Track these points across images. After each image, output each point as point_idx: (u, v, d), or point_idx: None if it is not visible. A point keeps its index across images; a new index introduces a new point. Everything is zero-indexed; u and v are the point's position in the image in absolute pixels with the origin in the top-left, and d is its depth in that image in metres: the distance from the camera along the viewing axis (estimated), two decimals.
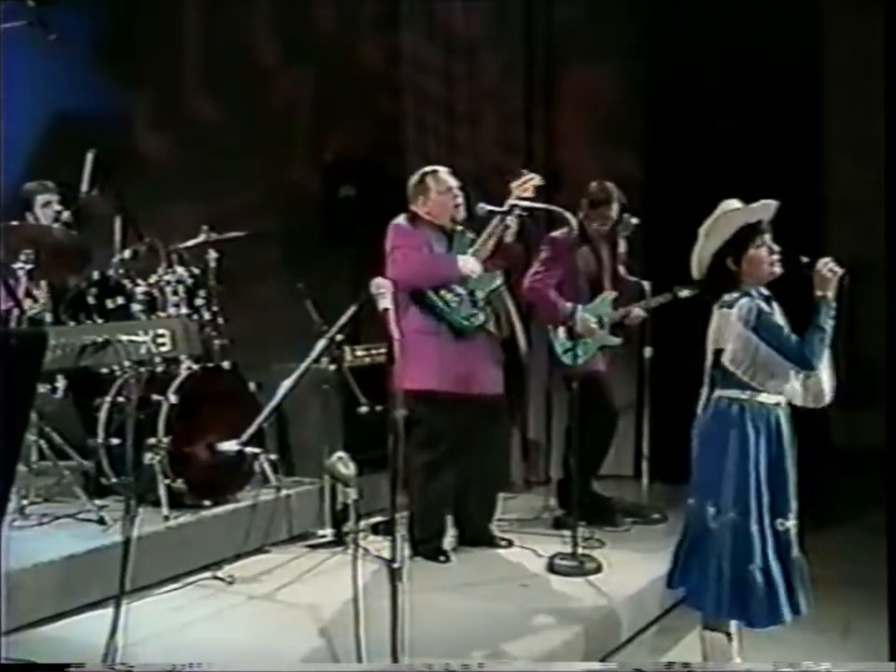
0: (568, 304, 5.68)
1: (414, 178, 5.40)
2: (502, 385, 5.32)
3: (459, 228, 5.36)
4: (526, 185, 5.27)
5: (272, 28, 7.81)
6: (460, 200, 5.32)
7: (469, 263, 5.22)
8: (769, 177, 6.15)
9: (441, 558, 5.28)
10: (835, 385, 4.10)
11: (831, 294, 3.98)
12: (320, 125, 7.82)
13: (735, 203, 4.12)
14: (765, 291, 4.11)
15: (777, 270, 4.07)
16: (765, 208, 4.12)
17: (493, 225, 5.27)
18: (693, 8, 6.97)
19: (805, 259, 4.03)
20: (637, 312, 5.94)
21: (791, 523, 4.07)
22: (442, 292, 5.20)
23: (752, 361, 3.99)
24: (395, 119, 7.55)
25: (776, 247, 4.08)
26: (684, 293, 5.64)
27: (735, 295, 4.05)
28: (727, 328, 4.03)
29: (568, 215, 5.36)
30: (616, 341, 5.95)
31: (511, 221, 5.25)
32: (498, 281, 5.32)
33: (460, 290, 5.23)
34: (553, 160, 7.24)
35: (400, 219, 5.32)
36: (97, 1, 7.35)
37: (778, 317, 4.09)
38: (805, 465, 4.13)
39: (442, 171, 5.38)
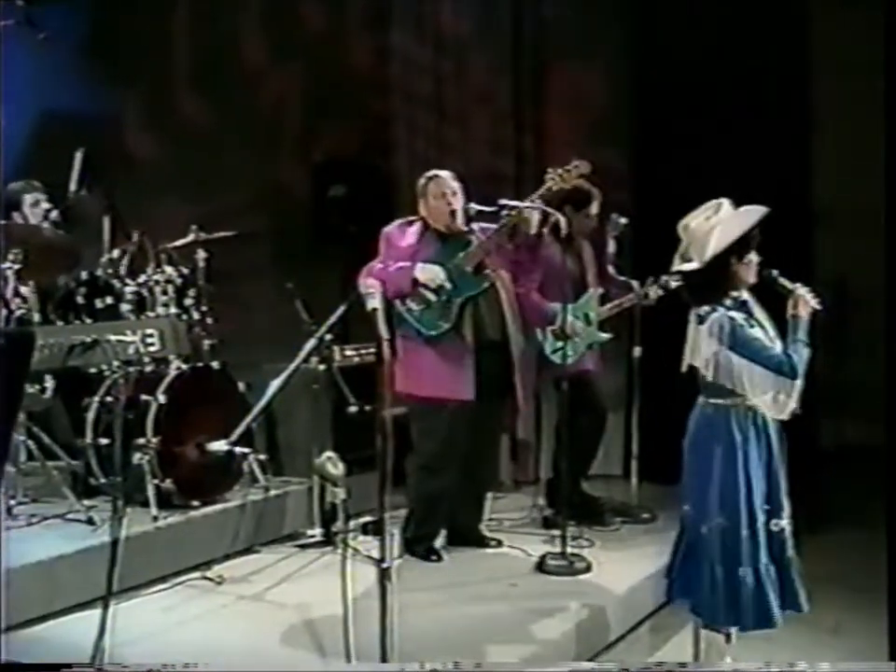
0: (553, 305, 5.66)
1: (420, 181, 5.36)
2: (471, 391, 5.15)
3: (458, 232, 5.29)
4: (564, 174, 5.22)
5: (261, 27, 7.81)
6: (455, 206, 5.25)
7: (426, 272, 5.16)
8: (758, 177, 6.17)
9: (434, 557, 5.28)
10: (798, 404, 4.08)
11: (805, 315, 4.00)
12: (309, 125, 7.82)
13: (725, 201, 4.10)
14: (744, 296, 4.10)
15: (753, 278, 4.09)
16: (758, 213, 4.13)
17: (489, 235, 5.24)
18: (681, 7, 6.98)
19: (774, 272, 4.06)
20: (632, 303, 5.90)
21: (785, 522, 4.07)
22: (407, 300, 5.16)
23: (729, 375, 3.99)
24: (384, 118, 7.54)
25: (756, 256, 4.10)
26: (674, 284, 5.59)
27: (707, 309, 4.03)
28: (701, 344, 4.02)
29: (558, 214, 5.35)
30: (604, 337, 5.94)
31: (531, 216, 5.19)
32: (478, 289, 5.23)
33: (430, 297, 5.18)
34: (543, 158, 7.24)
35: (391, 226, 5.33)
36: (86, 0, 7.35)
37: (760, 317, 4.08)
38: (793, 466, 4.13)
39: (443, 175, 5.32)
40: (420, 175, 5.42)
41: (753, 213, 4.08)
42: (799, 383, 4.03)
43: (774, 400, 4.04)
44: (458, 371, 5.17)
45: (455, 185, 5.29)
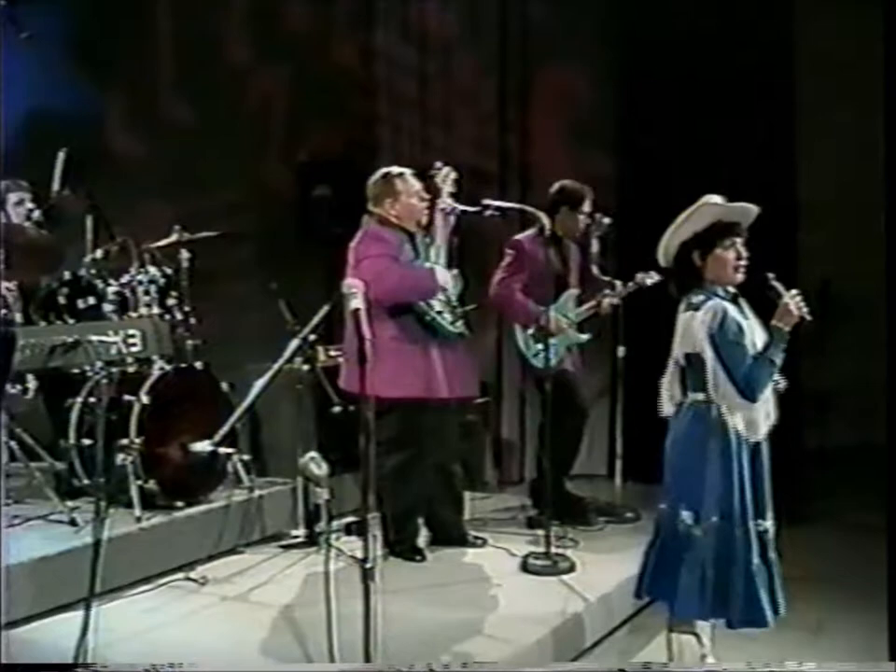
0: (539, 306, 5.67)
1: (378, 180, 5.30)
2: (477, 388, 5.46)
3: (421, 230, 5.32)
4: (447, 178, 5.24)
5: (245, 27, 7.79)
6: (426, 203, 5.29)
7: (443, 274, 5.20)
8: (742, 177, 6.19)
9: (418, 557, 5.29)
10: (774, 421, 4.04)
11: (787, 328, 3.90)
12: (294, 125, 7.81)
13: (716, 198, 4.03)
14: (732, 290, 4.03)
15: (741, 276, 4.00)
16: (745, 211, 4.05)
17: (443, 229, 5.28)
18: (667, 9, 7.00)
19: (770, 276, 3.96)
20: (609, 302, 5.90)
21: (769, 523, 4.04)
22: (432, 301, 5.19)
23: (703, 368, 3.93)
24: (369, 118, 7.55)
25: (744, 253, 3.99)
26: (649, 281, 5.63)
27: (702, 297, 3.96)
28: (695, 331, 3.94)
29: (541, 214, 5.36)
30: (583, 338, 5.95)
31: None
32: (461, 285, 5.33)
33: (443, 298, 5.23)
34: (527, 159, 7.26)
35: (372, 225, 5.25)
36: (70, 0, 7.32)
37: (749, 318, 4.04)
38: (777, 466, 4.12)
39: (409, 173, 5.32)
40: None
41: (710, 209, 4.02)
42: (760, 406, 3.96)
43: (743, 416, 3.97)
44: (473, 370, 5.36)
45: (419, 182, 5.31)
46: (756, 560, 3.99)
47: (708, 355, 3.93)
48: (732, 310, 3.96)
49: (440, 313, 5.21)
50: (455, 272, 5.31)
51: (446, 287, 5.22)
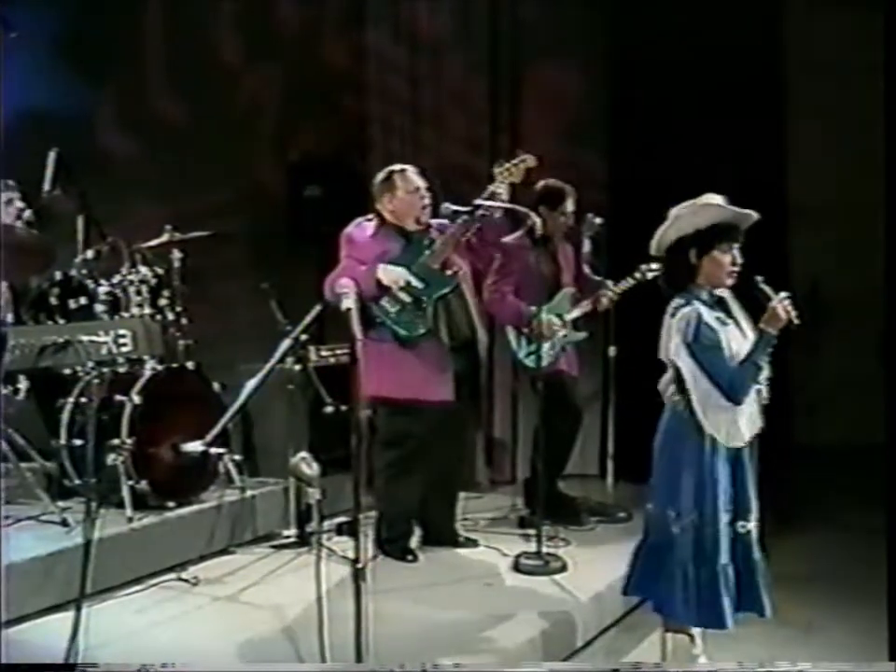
0: (530, 308, 5.67)
1: (381, 176, 5.33)
2: (451, 392, 5.19)
3: (420, 230, 5.27)
4: (512, 169, 5.12)
5: (236, 27, 7.78)
6: (427, 201, 5.25)
7: (389, 273, 5.11)
8: (733, 177, 6.20)
9: (409, 557, 5.28)
10: (758, 429, 4.02)
11: (774, 331, 3.88)
12: (285, 125, 7.80)
13: (718, 198, 4.00)
14: (719, 292, 4.02)
15: (731, 281, 3.99)
16: (747, 218, 4.02)
17: (453, 230, 5.17)
18: (659, 8, 7.01)
19: (759, 279, 3.94)
20: (608, 296, 5.88)
21: (752, 525, 4.03)
22: (382, 302, 5.13)
23: (683, 378, 3.93)
24: (360, 118, 7.53)
25: (739, 259, 3.97)
26: (650, 274, 5.58)
27: (681, 301, 3.95)
28: (670, 337, 3.95)
29: (533, 215, 5.36)
30: (580, 336, 5.95)
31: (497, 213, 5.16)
32: (449, 286, 5.20)
33: (404, 298, 5.15)
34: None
35: (350, 227, 5.28)
36: None
37: (739, 316, 4.03)
38: (767, 465, 4.12)
39: (410, 170, 5.31)
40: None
41: (715, 209, 3.98)
42: (746, 408, 3.95)
43: (717, 421, 3.95)
44: (438, 373, 5.16)
45: (421, 180, 5.29)
46: (724, 561, 3.97)
47: (684, 361, 3.93)
48: (707, 314, 3.93)
49: (390, 315, 5.13)
50: (455, 268, 5.23)
51: (394, 287, 5.12)
